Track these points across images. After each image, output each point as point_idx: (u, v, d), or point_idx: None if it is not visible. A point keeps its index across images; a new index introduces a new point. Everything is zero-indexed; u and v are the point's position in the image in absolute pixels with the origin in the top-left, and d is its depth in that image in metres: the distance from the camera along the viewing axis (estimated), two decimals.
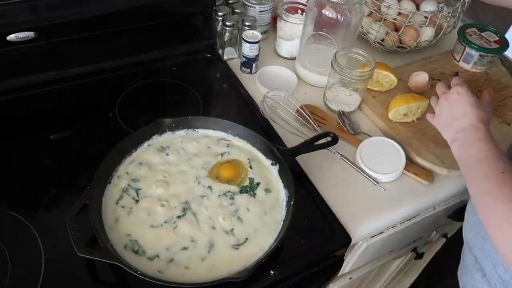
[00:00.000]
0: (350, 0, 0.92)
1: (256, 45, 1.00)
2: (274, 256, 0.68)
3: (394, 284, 1.39)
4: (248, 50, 1.01)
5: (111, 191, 0.73)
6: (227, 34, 1.03)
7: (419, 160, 0.88)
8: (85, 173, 0.78)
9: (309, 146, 0.81)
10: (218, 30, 1.05)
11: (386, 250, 1.03)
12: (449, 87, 0.78)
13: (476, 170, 0.61)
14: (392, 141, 0.89)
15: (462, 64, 1.12)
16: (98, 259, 0.62)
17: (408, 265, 1.27)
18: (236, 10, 1.07)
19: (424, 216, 0.89)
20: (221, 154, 0.79)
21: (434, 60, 1.13)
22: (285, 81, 1.03)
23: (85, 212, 0.66)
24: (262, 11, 1.09)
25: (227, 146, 0.81)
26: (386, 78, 0.99)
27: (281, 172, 0.78)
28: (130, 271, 0.61)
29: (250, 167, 0.78)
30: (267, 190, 0.75)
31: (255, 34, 1.00)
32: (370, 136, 0.92)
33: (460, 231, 0.82)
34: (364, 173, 0.85)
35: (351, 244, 0.78)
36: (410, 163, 0.88)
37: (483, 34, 1.12)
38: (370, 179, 0.85)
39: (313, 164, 0.86)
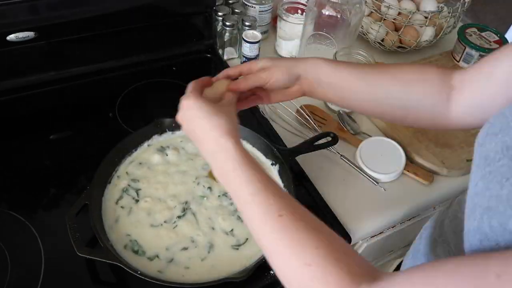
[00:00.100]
0: (350, 0, 0.92)
1: (256, 45, 1.00)
2: None
3: None
4: (248, 50, 1.01)
5: (111, 191, 0.73)
6: (227, 34, 1.03)
7: (419, 160, 0.88)
8: (85, 173, 0.78)
9: (309, 146, 0.81)
10: (218, 30, 1.05)
11: (386, 250, 1.03)
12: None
13: (250, 214, 0.48)
14: (392, 141, 0.89)
15: (462, 64, 1.12)
16: (98, 259, 0.63)
17: None
18: (236, 10, 1.07)
19: (424, 216, 0.89)
20: None
21: (434, 60, 1.13)
22: None
23: (85, 212, 0.66)
24: (262, 11, 1.09)
25: None
26: None
27: (281, 172, 0.78)
28: (130, 271, 0.61)
29: None
30: None
31: (255, 34, 1.00)
32: (370, 136, 0.92)
33: None
34: (364, 173, 0.85)
35: (351, 244, 0.78)
36: (410, 163, 0.88)
37: (483, 34, 1.12)
38: (370, 179, 0.85)
39: (313, 164, 0.86)
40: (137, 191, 0.73)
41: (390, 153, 0.88)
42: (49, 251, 0.68)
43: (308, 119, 0.92)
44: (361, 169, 0.86)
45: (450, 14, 1.07)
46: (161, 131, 0.81)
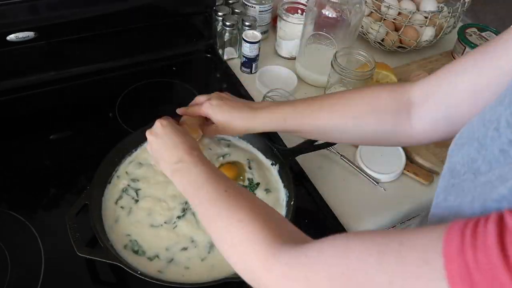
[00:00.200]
0: (350, 0, 0.92)
1: (256, 45, 1.00)
2: None
3: None
4: (248, 50, 1.01)
5: (111, 191, 0.73)
6: (227, 34, 1.03)
7: (419, 160, 0.88)
8: (85, 173, 0.78)
9: (309, 146, 0.81)
10: (218, 30, 1.05)
11: None
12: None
13: (202, 196, 0.56)
14: None
15: None
16: (98, 259, 0.63)
17: None
18: (236, 10, 1.07)
19: (424, 216, 0.89)
20: (222, 156, 0.79)
21: (434, 60, 1.13)
22: (285, 81, 1.03)
23: (85, 212, 0.66)
24: (262, 11, 1.09)
25: (228, 146, 0.80)
26: (386, 78, 0.99)
27: (281, 172, 0.78)
28: (130, 271, 0.61)
29: (249, 167, 0.78)
30: (267, 190, 0.75)
31: (255, 34, 1.00)
32: None
33: None
34: (364, 173, 0.85)
35: None
36: (410, 163, 0.88)
37: (483, 34, 1.12)
38: (370, 179, 0.85)
39: (313, 164, 0.86)
40: (136, 191, 0.73)
41: (390, 153, 0.88)
42: (49, 251, 0.68)
43: None
44: (361, 169, 0.86)
45: (450, 14, 1.07)
46: None
